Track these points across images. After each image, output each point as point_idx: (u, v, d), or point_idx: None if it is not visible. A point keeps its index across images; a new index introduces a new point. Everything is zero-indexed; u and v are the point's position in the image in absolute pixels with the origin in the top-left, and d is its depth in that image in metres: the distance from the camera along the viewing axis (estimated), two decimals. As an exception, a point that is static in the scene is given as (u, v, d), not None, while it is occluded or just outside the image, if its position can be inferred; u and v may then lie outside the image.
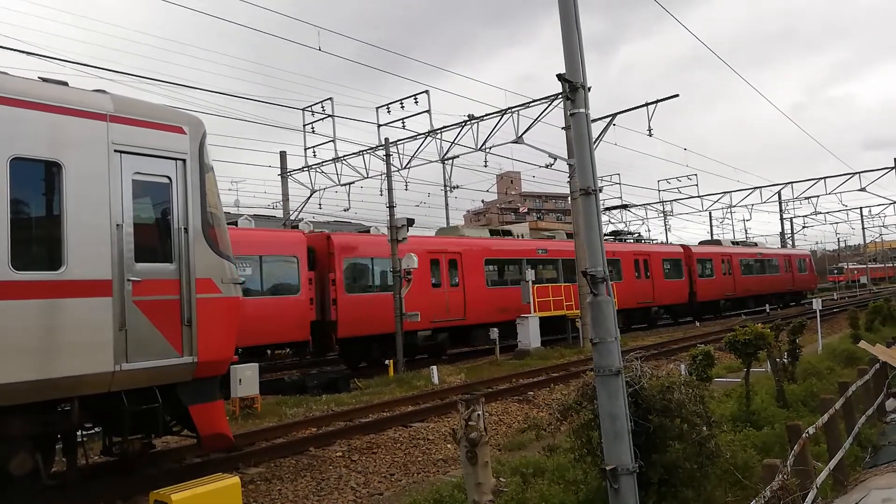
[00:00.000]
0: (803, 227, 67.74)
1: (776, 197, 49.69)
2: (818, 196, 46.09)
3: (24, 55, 15.29)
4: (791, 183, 45.72)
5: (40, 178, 6.79)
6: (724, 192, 46.88)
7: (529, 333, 22.76)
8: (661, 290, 33.56)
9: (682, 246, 38.61)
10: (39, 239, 6.81)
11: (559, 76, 5.93)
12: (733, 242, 47.44)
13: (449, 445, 10.31)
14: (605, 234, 37.17)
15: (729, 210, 53.27)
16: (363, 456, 9.94)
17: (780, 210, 56.52)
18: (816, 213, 53.30)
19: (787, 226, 60.93)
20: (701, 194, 46.15)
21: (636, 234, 44.76)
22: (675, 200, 48.00)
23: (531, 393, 14.82)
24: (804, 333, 13.50)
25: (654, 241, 44.16)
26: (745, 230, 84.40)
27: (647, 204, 49.52)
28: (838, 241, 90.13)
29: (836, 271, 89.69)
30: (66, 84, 7.39)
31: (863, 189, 41.18)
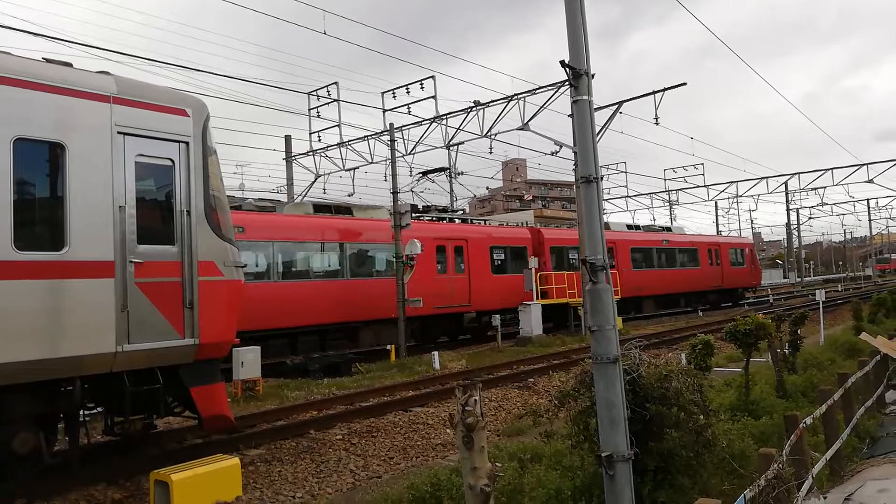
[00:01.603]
0: (809, 219, 67.54)
1: (783, 188, 49.40)
2: (825, 187, 45.90)
3: (30, 36, 15.26)
4: (798, 174, 45.46)
5: (43, 159, 6.81)
6: (731, 182, 46.67)
7: (531, 321, 22.82)
8: (485, 290, 23.56)
9: (529, 229, 28.41)
10: (42, 219, 6.85)
11: (563, 63, 5.89)
12: (631, 227, 35.80)
13: (448, 430, 10.38)
14: (416, 212, 24.43)
15: (735, 200, 53.04)
16: (363, 439, 10.02)
17: (787, 201, 56.26)
18: (823, 204, 53.00)
19: (794, 217, 60.76)
20: (707, 184, 46.03)
21: (459, 211, 29.13)
22: (680, 190, 47.85)
23: (531, 380, 14.88)
24: (806, 324, 13.49)
25: (494, 224, 30.37)
26: (751, 220, 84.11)
27: (653, 193, 49.41)
28: (844, 233, 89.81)
29: (883, 260, 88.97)
30: (70, 65, 7.39)
31: (870, 181, 40.89)
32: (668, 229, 38.44)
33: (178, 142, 7.81)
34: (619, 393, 5.43)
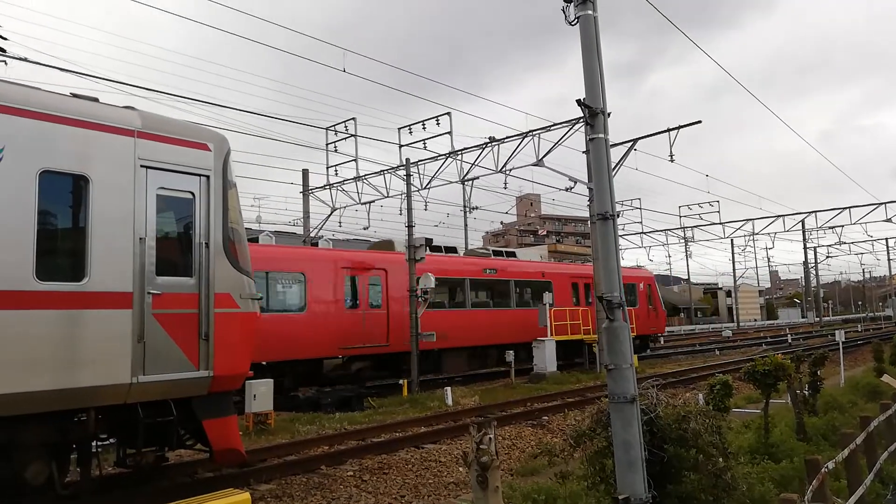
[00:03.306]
0: (827, 257, 66.92)
1: (800, 226, 49.12)
2: (843, 226, 45.61)
3: (58, 71, 15.69)
4: (815, 212, 45.35)
5: (68, 191, 6.93)
6: (747, 220, 46.59)
7: (546, 357, 22.60)
8: None
9: None
10: (64, 250, 6.94)
11: (579, 101, 5.97)
12: (440, 248, 23.78)
13: (461, 468, 10.23)
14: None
15: (751, 238, 52.75)
16: (374, 476, 9.89)
17: (804, 239, 55.86)
18: (841, 242, 52.60)
19: (811, 255, 60.22)
20: (723, 221, 45.90)
21: None
22: (696, 227, 47.74)
23: (546, 418, 14.67)
24: (826, 365, 13.26)
25: None
26: (768, 258, 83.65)
27: (668, 230, 49.33)
28: (863, 273, 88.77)
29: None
30: (96, 100, 7.58)
31: (888, 220, 40.64)
32: (512, 255, 27.16)
33: (199, 175, 7.94)
34: (636, 433, 5.35)
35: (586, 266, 29.47)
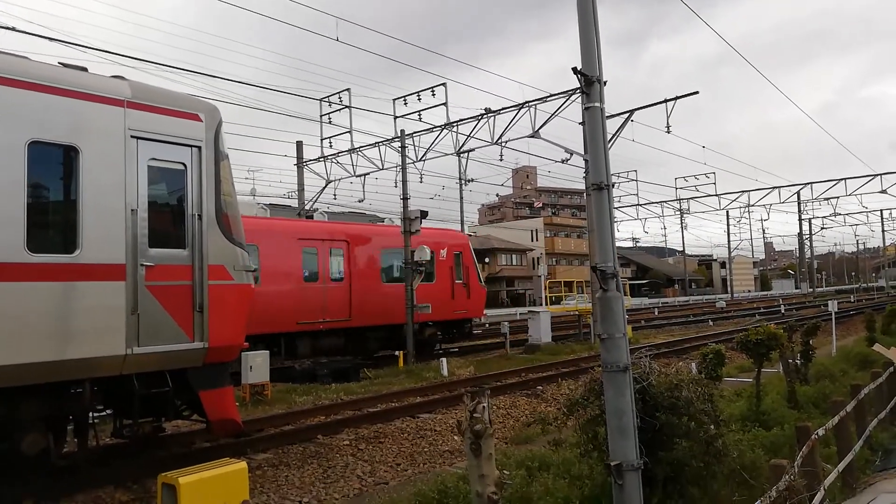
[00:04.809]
0: (822, 229, 67.15)
1: (795, 197, 49.10)
2: (838, 197, 45.60)
3: (46, 40, 15.44)
4: (811, 183, 45.22)
5: (57, 162, 6.87)
6: (742, 192, 46.49)
7: (541, 328, 22.76)
8: None
9: None
10: (55, 222, 6.90)
11: (575, 70, 5.88)
12: None
13: (456, 437, 10.34)
14: None
15: (746, 209, 52.77)
16: (370, 445, 10.00)
17: (799, 210, 55.95)
18: (836, 214, 52.72)
19: (806, 227, 60.42)
20: (718, 193, 45.83)
21: None
22: (692, 199, 47.69)
23: (540, 387, 14.81)
24: (818, 335, 13.36)
25: None
26: (763, 230, 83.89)
27: (664, 202, 49.29)
28: (857, 244, 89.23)
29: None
30: (85, 70, 7.46)
31: (884, 191, 40.61)
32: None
33: (191, 146, 7.86)
34: (629, 401, 5.39)
35: (360, 226, 22.15)
